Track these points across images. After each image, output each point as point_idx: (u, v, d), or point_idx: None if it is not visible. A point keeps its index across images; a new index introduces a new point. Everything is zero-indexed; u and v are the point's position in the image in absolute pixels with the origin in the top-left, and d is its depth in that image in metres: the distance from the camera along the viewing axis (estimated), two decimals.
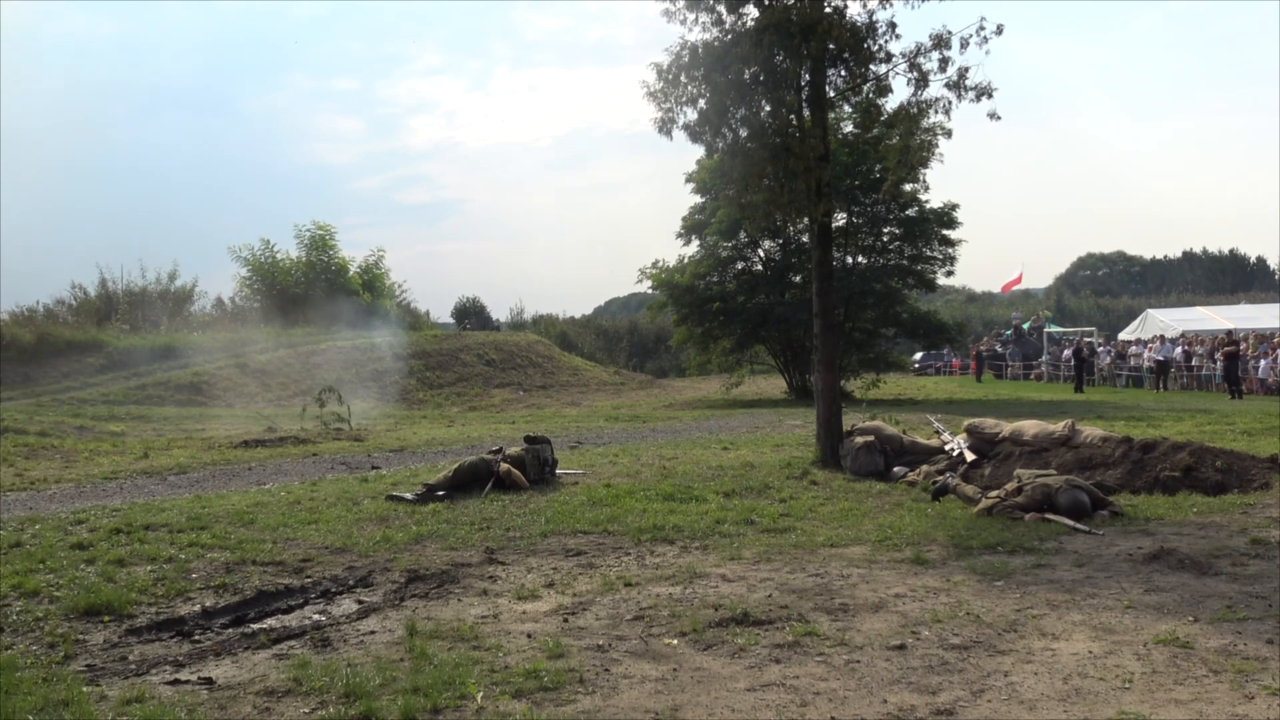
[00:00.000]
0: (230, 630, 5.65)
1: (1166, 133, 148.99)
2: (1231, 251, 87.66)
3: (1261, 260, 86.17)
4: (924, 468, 10.66)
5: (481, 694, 4.33)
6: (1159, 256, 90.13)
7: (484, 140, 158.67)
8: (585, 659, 4.82)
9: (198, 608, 6.06)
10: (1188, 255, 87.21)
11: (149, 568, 6.95)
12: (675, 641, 5.10)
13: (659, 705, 4.21)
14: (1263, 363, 28.74)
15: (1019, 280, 49.79)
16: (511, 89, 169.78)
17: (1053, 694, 4.20)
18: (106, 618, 5.78)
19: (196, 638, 5.50)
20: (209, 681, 4.65)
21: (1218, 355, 28.04)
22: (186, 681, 4.67)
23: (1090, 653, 4.71)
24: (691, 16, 11.23)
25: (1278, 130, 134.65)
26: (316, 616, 5.89)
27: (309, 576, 6.78)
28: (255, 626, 5.72)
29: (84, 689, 4.50)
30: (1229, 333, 29.75)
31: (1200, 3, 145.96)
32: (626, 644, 5.08)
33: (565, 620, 5.56)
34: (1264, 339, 31.07)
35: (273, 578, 6.74)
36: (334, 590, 6.49)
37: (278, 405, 25.31)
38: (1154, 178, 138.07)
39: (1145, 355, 33.16)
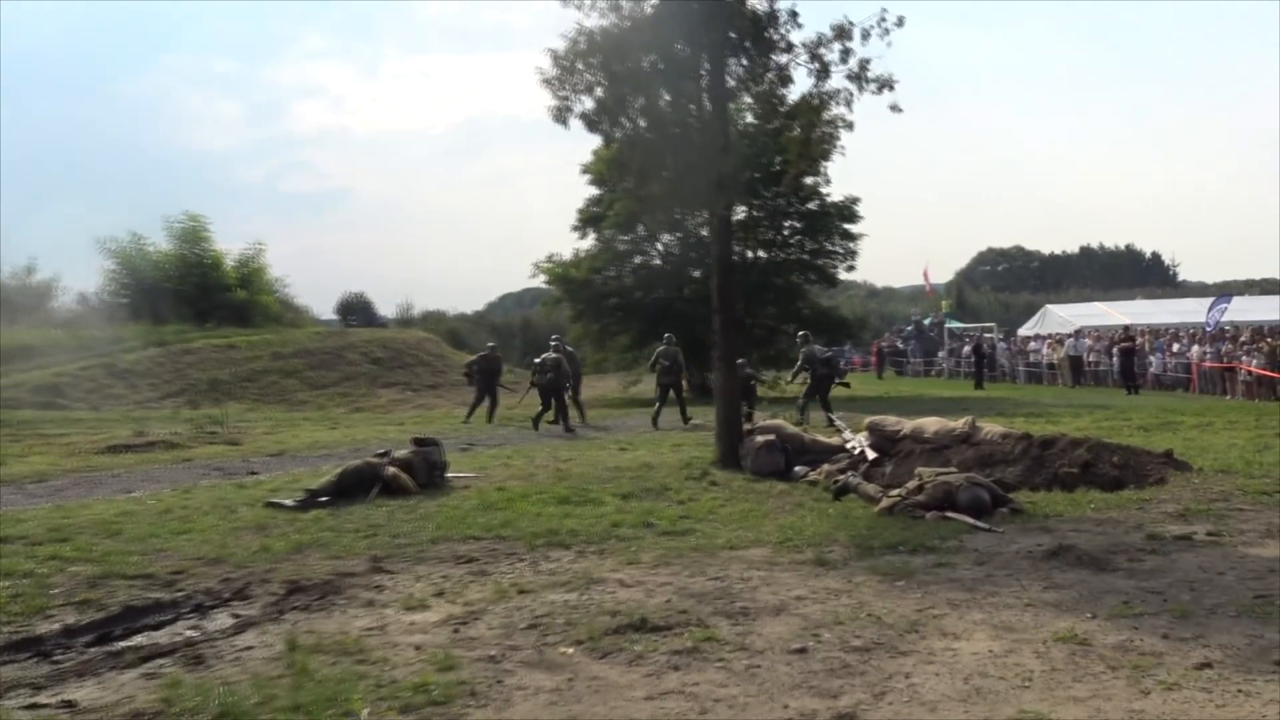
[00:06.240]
0: (94, 649, 5.29)
1: (1065, 126, 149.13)
2: (1128, 247, 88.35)
3: (1157, 256, 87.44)
4: (825, 467, 10.66)
5: (367, 710, 4.15)
6: (1057, 252, 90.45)
7: (373, 127, 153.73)
8: (477, 670, 4.67)
9: (59, 626, 5.66)
10: (1085, 250, 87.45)
11: (4, 584, 6.46)
12: (571, 650, 4.98)
13: (554, 716, 4.09)
14: (1152, 358, 29.38)
15: (927, 278, 51.45)
16: (403, 74, 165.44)
17: (954, 694, 4.22)
18: None
19: (57, 658, 5.12)
20: (70, 705, 4.34)
21: (1114, 351, 28.63)
22: (45, 705, 4.35)
23: (991, 652, 4.76)
24: (588, 1, 10.99)
25: (1174, 125, 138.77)
26: (189, 632, 5.58)
27: (181, 590, 6.41)
28: (122, 644, 5.37)
29: None
30: (1125, 328, 30.49)
31: None
32: (520, 654, 4.94)
33: (456, 630, 5.38)
34: (1159, 334, 31.73)
35: (141, 592, 6.35)
36: (208, 604, 6.15)
37: (147, 408, 24.19)
38: (1052, 172, 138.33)
39: (1045, 351, 33.73)
